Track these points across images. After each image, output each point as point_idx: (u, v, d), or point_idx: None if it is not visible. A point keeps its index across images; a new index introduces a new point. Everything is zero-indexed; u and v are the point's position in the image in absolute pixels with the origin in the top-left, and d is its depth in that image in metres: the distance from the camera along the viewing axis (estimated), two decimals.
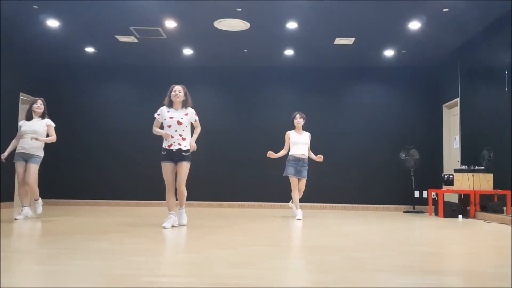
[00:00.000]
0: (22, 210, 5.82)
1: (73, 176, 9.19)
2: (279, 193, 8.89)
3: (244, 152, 9.25)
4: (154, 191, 9.12)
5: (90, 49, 8.48)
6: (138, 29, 7.33)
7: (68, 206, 8.79)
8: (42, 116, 5.96)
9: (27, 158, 5.78)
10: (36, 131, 5.79)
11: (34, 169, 5.75)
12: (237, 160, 9.24)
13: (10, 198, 8.06)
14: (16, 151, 5.82)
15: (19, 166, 5.80)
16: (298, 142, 6.58)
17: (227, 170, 9.20)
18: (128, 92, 9.48)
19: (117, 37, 7.72)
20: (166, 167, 5.00)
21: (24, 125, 5.85)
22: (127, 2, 6.26)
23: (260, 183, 9.13)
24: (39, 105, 5.93)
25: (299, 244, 3.83)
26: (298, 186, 6.58)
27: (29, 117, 5.91)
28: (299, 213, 6.48)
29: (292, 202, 6.76)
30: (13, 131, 8.18)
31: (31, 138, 5.70)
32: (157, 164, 9.07)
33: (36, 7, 6.42)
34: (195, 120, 5.16)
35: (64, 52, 8.66)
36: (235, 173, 9.20)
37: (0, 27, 7.17)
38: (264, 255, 3.09)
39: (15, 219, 5.66)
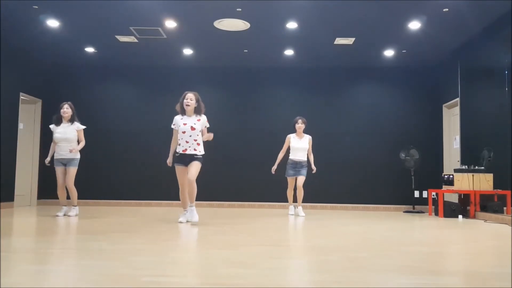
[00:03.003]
0: (62, 208, 6.32)
1: None
2: (279, 193, 8.89)
3: (244, 152, 9.25)
4: (155, 191, 9.13)
5: (90, 49, 8.49)
6: (138, 29, 7.33)
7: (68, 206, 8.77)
8: (72, 120, 6.20)
9: (65, 162, 6.15)
10: (68, 139, 6.12)
11: (73, 172, 6.16)
12: (237, 160, 9.24)
13: (10, 198, 8.06)
14: (55, 158, 6.18)
15: (59, 171, 6.15)
16: (297, 148, 7.04)
17: (227, 170, 9.20)
18: (128, 92, 9.48)
19: (117, 37, 7.72)
20: (179, 170, 5.31)
21: (55, 131, 6.16)
22: (127, 2, 6.26)
23: (261, 183, 9.13)
24: (65, 109, 6.18)
25: (299, 244, 3.83)
26: (293, 186, 7.12)
27: (58, 122, 6.19)
28: (292, 208, 7.27)
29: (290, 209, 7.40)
30: (13, 131, 8.19)
31: (70, 151, 6.05)
32: (157, 164, 9.12)
33: (36, 7, 6.42)
34: (205, 127, 5.36)
35: (64, 52, 8.66)
36: (236, 173, 9.20)
37: (0, 27, 7.17)
38: (264, 255, 3.09)
39: (56, 215, 6.18)
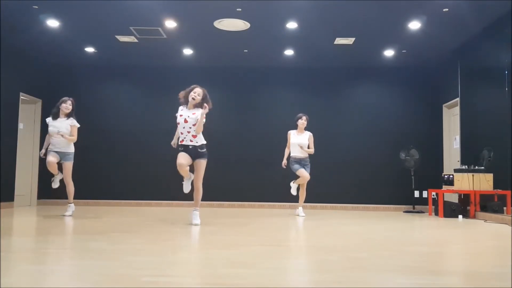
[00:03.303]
0: (55, 177, 6.35)
1: (72, 176, 9.16)
2: (279, 193, 8.89)
3: (244, 152, 9.25)
4: (155, 191, 9.12)
5: (90, 49, 8.48)
6: (138, 29, 7.33)
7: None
8: (68, 116, 6.22)
9: (61, 156, 6.18)
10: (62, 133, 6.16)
11: (69, 166, 6.21)
12: (237, 160, 9.23)
13: (10, 198, 8.06)
14: (49, 149, 6.20)
15: (50, 154, 6.11)
16: (297, 144, 6.95)
17: (227, 170, 9.20)
18: (128, 92, 9.47)
19: (117, 37, 7.72)
20: (181, 154, 5.18)
21: (50, 124, 6.18)
22: (127, 2, 6.25)
23: (260, 183, 9.12)
24: (67, 105, 6.21)
25: (299, 244, 3.83)
26: (305, 176, 6.83)
27: (55, 116, 6.21)
28: (294, 187, 7.04)
29: (293, 183, 7.11)
30: (13, 131, 8.19)
31: (57, 132, 6.07)
32: (157, 164, 9.12)
33: (36, 7, 6.42)
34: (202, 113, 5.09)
35: (64, 52, 8.66)
36: (236, 173, 9.20)
37: (0, 27, 7.17)
38: (264, 255, 3.09)
39: (54, 187, 6.41)
